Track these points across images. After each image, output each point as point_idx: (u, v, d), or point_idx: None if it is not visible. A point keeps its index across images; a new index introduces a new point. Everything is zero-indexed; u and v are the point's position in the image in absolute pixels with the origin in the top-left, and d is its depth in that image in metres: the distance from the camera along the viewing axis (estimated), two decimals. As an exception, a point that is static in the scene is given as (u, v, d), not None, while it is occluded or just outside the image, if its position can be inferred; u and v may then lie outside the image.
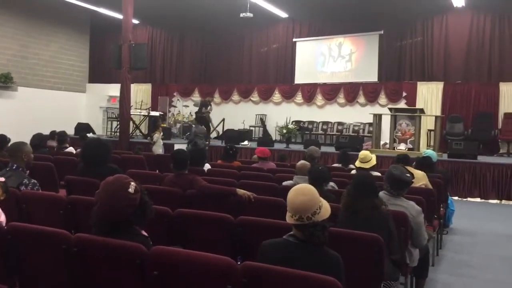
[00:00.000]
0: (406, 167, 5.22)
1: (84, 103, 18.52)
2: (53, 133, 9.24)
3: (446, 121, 13.19)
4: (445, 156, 10.76)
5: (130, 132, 13.70)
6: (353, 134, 14.39)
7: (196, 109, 15.88)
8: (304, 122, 15.51)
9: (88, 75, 18.90)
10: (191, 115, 16.33)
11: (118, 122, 13.78)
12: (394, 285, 3.23)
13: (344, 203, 3.30)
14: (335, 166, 7.45)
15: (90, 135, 12.96)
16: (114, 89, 16.32)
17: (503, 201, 9.89)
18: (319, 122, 15.51)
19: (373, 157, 5.88)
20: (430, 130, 12.62)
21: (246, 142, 13.05)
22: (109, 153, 4.51)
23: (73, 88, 18.10)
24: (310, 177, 4.24)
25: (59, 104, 16.81)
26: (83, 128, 14.32)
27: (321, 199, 2.36)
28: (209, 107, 14.65)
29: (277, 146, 12.99)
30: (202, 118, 14.16)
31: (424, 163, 6.01)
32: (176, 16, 16.17)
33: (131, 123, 13.72)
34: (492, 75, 13.38)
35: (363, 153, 6.01)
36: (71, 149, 7.91)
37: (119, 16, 13.99)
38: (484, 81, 13.42)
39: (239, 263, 2.35)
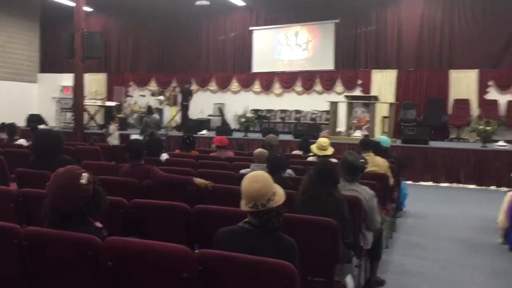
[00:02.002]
0: (365, 153, 5.36)
1: (36, 93, 17.91)
2: (2, 125, 8.92)
3: (400, 107, 13.56)
4: (399, 142, 11.07)
5: (85, 123, 13.39)
6: (311, 121, 14.59)
7: (152, 99, 15.72)
8: (262, 111, 15.57)
9: (39, 65, 18.27)
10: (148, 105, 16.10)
11: (72, 113, 13.44)
12: (347, 267, 3.32)
13: (302, 187, 3.36)
14: (296, 153, 7.54)
15: (42, 126, 12.56)
16: (67, 79, 15.87)
17: (453, 184, 10.30)
18: (277, 110, 15.62)
19: (331, 148, 5.99)
20: (384, 117, 12.93)
21: (204, 132, 13.00)
22: (61, 144, 4.39)
23: (24, 79, 17.45)
24: (268, 164, 4.28)
25: (9, 95, 16.18)
26: (34, 120, 13.88)
27: (275, 185, 2.38)
28: (192, 94, 14.66)
29: (235, 135, 13.01)
30: (186, 107, 14.12)
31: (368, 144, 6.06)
32: (131, 3, 15.83)
33: (85, 113, 13.41)
34: (443, 62, 13.84)
35: (323, 140, 6.08)
36: (22, 141, 7.66)
37: (71, 3, 13.55)
38: (435, 69, 13.86)
39: (196, 251, 2.36)
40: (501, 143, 10.52)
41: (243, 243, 2.30)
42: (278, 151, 7.08)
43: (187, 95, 14.45)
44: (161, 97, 14.76)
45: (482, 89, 13.23)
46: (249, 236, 2.33)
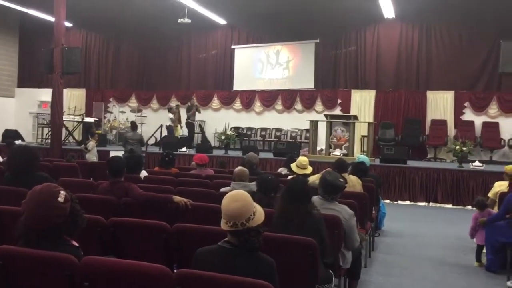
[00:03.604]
0: (342, 174, 5.40)
1: (13, 108, 17.64)
2: (-23, 140, 8.73)
3: (378, 127, 13.75)
4: (377, 161, 11.18)
5: (63, 139, 13.21)
6: (291, 140, 14.66)
7: (133, 115, 15.68)
8: (242, 129, 15.61)
9: (17, 80, 18.03)
10: (128, 121, 16.00)
11: (49, 129, 13.25)
12: (326, 287, 3.31)
13: (278, 209, 3.34)
14: (281, 171, 7.55)
15: (18, 142, 12.35)
16: (45, 94, 15.70)
17: (431, 204, 10.41)
18: (258, 128, 15.68)
19: (310, 167, 6.08)
20: (363, 136, 13.07)
21: (184, 149, 12.93)
22: (36, 161, 4.29)
23: (1, 93, 17.19)
24: (259, 187, 4.27)
25: (-15, 110, 15.93)
26: (10, 135, 13.62)
27: (255, 204, 2.38)
28: (192, 110, 14.47)
29: (216, 152, 12.98)
30: (189, 123, 14.07)
31: (360, 168, 6.20)
32: (112, 19, 15.80)
33: (63, 129, 13.23)
34: (420, 83, 14.14)
35: (303, 159, 6.14)
36: (-3, 156, 7.51)
37: (50, 18, 13.47)
38: (413, 89, 14.13)
39: (175, 271, 2.34)
40: (476, 163, 10.71)
41: (222, 263, 2.28)
42: (258, 169, 7.12)
43: (188, 111, 14.39)
44: (171, 115, 14.64)
45: (459, 110, 13.52)
46: (229, 255, 2.32)
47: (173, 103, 16.46)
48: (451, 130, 13.39)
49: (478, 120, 13.34)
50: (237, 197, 2.34)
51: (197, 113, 14.83)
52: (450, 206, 10.25)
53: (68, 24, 14.76)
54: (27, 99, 17.48)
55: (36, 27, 16.51)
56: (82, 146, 11.51)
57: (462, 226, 7.38)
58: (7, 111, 17.24)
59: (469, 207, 9.97)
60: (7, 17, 16.73)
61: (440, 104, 13.69)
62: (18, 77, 18.08)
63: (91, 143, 11.01)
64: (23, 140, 14.49)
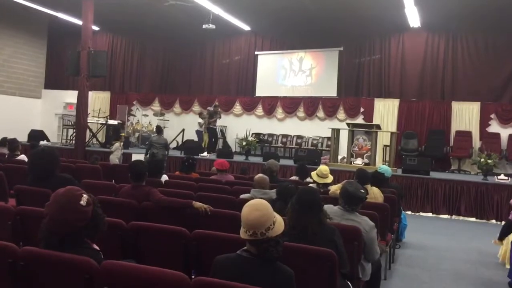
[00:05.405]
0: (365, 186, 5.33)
1: (39, 109, 17.99)
2: (4, 140, 8.89)
3: (401, 137, 13.58)
4: (399, 172, 11.04)
5: (87, 141, 13.41)
6: (312, 147, 14.58)
7: (155, 119, 15.85)
8: (264, 135, 15.61)
9: (44, 81, 18.40)
10: (150, 124, 16.19)
11: (74, 130, 13.47)
12: (345, 299, 3.27)
13: (289, 220, 3.21)
14: (293, 178, 7.51)
15: (43, 142, 12.58)
16: (71, 96, 15.97)
17: (454, 216, 10.22)
18: (279, 135, 15.65)
19: (330, 176, 6.02)
20: (386, 146, 12.94)
21: (205, 154, 12.99)
22: (56, 163, 4.32)
23: (28, 94, 17.56)
24: (279, 195, 4.25)
25: (12, 110, 16.26)
26: (36, 135, 13.89)
27: (275, 214, 2.37)
28: (215, 117, 14.45)
29: (236, 158, 12.99)
30: (210, 129, 14.16)
31: (377, 177, 6.13)
32: (138, 24, 16.00)
33: (88, 131, 13.43)
34: (445, 94, 13.92)
35: (324, 168, 6.08)
36: (23, 157, 7.63)
37: (78, 21, 13.73)
38: (438, 100, 13.93)
39: (193, 277, 2.34)
40: (502, 176, 10.48)
41: (240, 272, 2.27)
42: (278, 177, 7.10)
43: (211, 117, 14.45)
44: (201, 120, 14.72)
45: (484, 121, 13.26)
46: (247, 265, 2.31)
47: (197, 107, 16.58)
48: (476, 142, 13.14)
49: (504, 133, 13.05)
50: (257, 206, 2.33)
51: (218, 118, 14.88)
52: (473, 219, 10.04)
53: (95, 27, 15.02)
54: (53, 100, 17.81)
55: (64, 30, 16.84)
56: (108, 145, 11.65)
57: (485, 241, 7.24)
58: (33, 111, 17.59)
59: (493, 221, 9.79)
60: (36, 20, 17.08)
61: (465, 115, 13.45)
62: (45, 78, 18.43)
63: (116, 144, 11.13)
64: (48, 140, 14.77)
